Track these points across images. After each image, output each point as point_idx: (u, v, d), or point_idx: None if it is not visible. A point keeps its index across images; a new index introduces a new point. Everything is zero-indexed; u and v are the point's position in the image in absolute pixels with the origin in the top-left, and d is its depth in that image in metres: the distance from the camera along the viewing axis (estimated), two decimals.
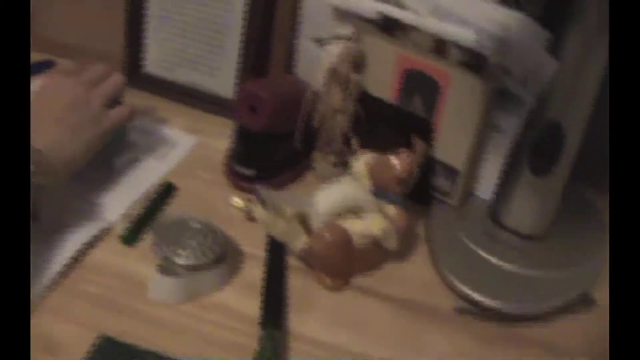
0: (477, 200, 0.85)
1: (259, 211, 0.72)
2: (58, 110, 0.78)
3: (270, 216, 0.71)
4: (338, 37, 0.81)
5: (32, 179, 0.69)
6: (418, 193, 0.79)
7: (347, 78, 0.79)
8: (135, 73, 0.97)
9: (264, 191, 0.71)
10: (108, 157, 0.86)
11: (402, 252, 0.80)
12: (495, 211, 0.82)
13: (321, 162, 0.87)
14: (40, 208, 0.74)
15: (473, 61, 0.74)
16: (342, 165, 0.86)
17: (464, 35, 0.73)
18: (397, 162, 0.74)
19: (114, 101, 0.84)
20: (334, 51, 0.81)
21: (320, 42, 0.83)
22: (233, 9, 0.89)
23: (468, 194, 0.85)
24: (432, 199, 0.85)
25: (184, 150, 0.91)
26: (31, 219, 0.71)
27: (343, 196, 0.73)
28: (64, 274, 0.74)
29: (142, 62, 0.97)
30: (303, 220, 0.72)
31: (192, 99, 0.96)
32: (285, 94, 0.83)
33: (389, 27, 0.78)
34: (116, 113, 0.83)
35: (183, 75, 0.97)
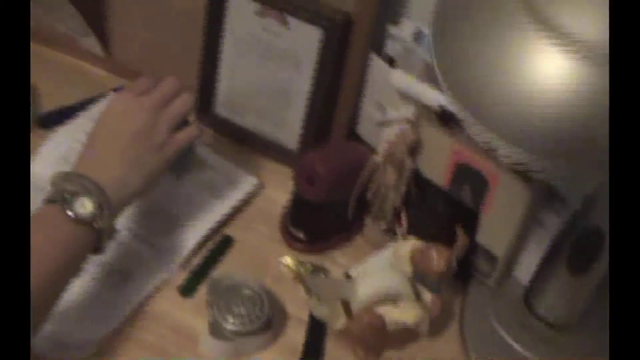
0: (515, 281, 0.93)
1: (303, 294, 0.81)
2: (124, 140, 0.80)
3: (313, 301, 0.81)
4: (398, 120, 0.88)
5: (94, 224, 0.74)
6: (458, 269, 0.88)
7: (402, 161, 0.87)
8: (205, 112, 1.06)
9: (310, 279, 0.81)
10: (173, 174, 0.90)
11: (435, 330, 0.88)
12: (528, 298, 0.90)
13: (371, 228, 0.95)
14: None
15: (522, 171, 0.80)
16: (391, 233, 0.94)
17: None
18: (437, 257, 0.82)
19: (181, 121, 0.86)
20: (392, 132, 0.88)
21: (381, 124, 0.91)
22: (303, 72, 0.97)
23: (506, 276, 0.92)
24: (471, 277, 0.93)
25: (244, 192, 1.00)
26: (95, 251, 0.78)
27: (383, 286, 0.82)
28: (126, 321, 0.85)
29: (213, 102, 1.06)
30: (344, 303, 0.81)
31: (257, 145, 1.05)
32: (343, 166, 0.91)
33: (446, 119, 0.85)
34: (182, 136, 0.85)
35: (250, 121, 1.05)
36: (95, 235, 0.75)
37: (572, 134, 0.47)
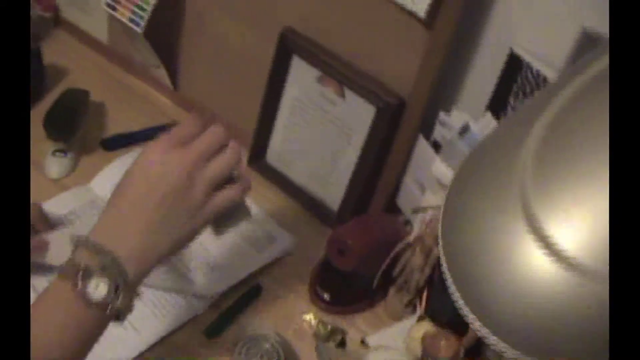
0: None
1: None
2: (153, 200, 0.74)
3: None
4: (432, 207, 0.97)
5: (108, 308, 0.70)
6: (467, 352, 0.96)
7: (430, 248, 0.96)
8: (257, 159, 1.17)
9: (323, 348, 0.90)
10: (212, 228, 0.84)
11: None
12: None
13: (393, 299, 1.04)
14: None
15: None
16: (412, 307, 1.03)
17: None
18: (445, 346, 0.91)
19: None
20: (425, 219, 0.97)
21: (415, 211, 1.00)
22: (353, 141, 1.06)
23: None
24: None
25: (281, 249, 1.10)
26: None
27: None
28: (149, 349, 0.96)
29: (265, 151, 1.17)
30: None
31: (301, 199, 1.16)
32: (374, 241, 1.00)
33: None
34: (223, 197, 0.78)
35: (298, 176, 1.16)
36: (110, 315, 0.72)
37: (557, 340, 0.53)
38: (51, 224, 1.03)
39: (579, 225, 0.51)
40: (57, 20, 1.37)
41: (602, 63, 0.58)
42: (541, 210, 0.52)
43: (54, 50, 1.31)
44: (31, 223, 1.00)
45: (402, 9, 0.95)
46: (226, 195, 0.78)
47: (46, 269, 0.97)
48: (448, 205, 0.59)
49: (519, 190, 0.53)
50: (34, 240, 0.98)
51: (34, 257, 0.97)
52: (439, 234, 0.59)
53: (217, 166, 0.77)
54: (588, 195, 0.51)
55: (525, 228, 0.52)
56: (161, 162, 0.75)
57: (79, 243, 0.72)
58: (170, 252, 0.76)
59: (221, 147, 0.78)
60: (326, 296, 1.04)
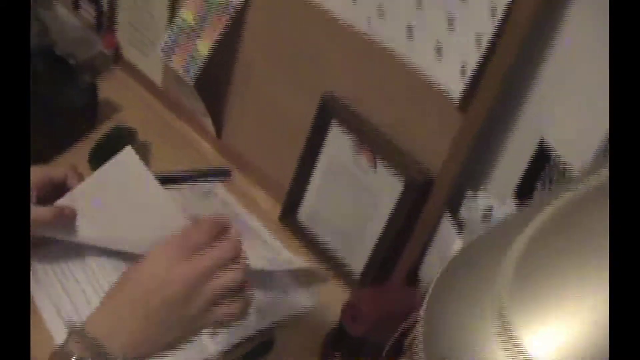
0: None
1: None
2: (152, 305, 0.77)
3: None
4: None
5: None
6: None
7: None
8: (289, 215, 1.22)
9: None
10: None
11: None
12: None
13: None
14: None
15: None
16: None
17: None
18: None
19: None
20: None
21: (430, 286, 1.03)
22: (380, 212, 1.11)
23: None
24: None
25: (299, 306, 1.14)
26: None
27: None
28: None
29: (297, 209, 1.22)
30: None
31: (327, 260, 1.20)
32: (388, 310, 1.03)
33: None
34: (222, 313, 0.81)
35: (325, 237, 1.20)
36: None
37: None
38: None
39: (550, 337, 0.54)
40: (117, 58, 1.45)
41: (602, 176, 0.61)
42: (515, 318, 0.55)
43: (111, 87, 1.39)
44: (64, 179, 0.98)
45: (437, 89, 0.99)
46: (225, 311, 0.81)
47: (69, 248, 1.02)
48: (430, 303, 0.62)
49: (496, 298, 0.56)
50: (59, 209, 0.96)
51: (55, 231, 0.98)
52: (419, 330, 0.62)
53: (222, 283, 0.80)
54: (562, 309, 0.54)
55: (497, 332, 0.55)
56: (166, 270, 0.78)
57: (73, 331, 0.76)
58: (159, 351, 0.80)
59: (231, 261, 0.81)
60: (337, 358, 1.07)
